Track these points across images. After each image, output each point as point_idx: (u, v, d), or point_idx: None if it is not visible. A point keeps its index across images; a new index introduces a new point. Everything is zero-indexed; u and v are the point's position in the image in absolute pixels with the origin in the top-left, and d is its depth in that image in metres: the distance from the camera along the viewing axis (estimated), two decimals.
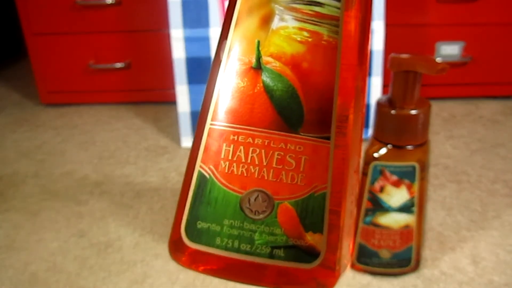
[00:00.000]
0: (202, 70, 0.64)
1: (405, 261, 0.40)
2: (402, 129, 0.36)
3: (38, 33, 0.78)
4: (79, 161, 0.63)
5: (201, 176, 0.22)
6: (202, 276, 0.40)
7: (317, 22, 0.20)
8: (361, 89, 0.23)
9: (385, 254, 0.39)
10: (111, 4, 0.76)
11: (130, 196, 0.54)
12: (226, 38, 0.22)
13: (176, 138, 0.69)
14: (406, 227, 0.38)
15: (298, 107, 0.21)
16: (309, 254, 0.22)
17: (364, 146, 0.38)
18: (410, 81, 0.35)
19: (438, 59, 0.75)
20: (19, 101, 0.88)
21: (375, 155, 0.36)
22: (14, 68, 1.08)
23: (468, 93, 0.81)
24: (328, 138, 0.21)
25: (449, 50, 0.77)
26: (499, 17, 0.75)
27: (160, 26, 0.76)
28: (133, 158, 0.64)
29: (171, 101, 0.78)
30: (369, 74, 0.65)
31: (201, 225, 0.22)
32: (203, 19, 0.63)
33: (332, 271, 0.23)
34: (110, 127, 0.75)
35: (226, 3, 0.62)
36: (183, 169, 0.60)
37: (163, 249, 0.44)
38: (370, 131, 0.38)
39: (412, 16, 0.75)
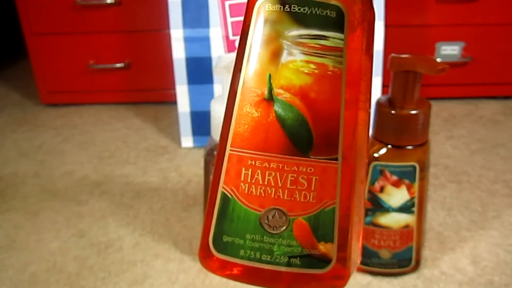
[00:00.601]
0: (202, 70, 0.64)
1: (405, 261, 0.40)
2: (402, 129, 0.36)
3: (38, 33, 0.78)
4: (79, 161, 0.63)
5: (224, 196, 0.25)
6: (201, 277, 0.41)
7: (323, 54, 0.23)
8: (366, 104, 0.25)
9: (385, 254, 0.39)
10: (111, 4, 0.76)
11: (130, 196, 0.54)
12: (239, 70, 0.24)
13: (176, 138, 0.69)
14: (406, 227, 0.38)
15: (307, 133, 0.23)
16: (322, 261, 0.25)
17: None
18: (410, 81, 0.35)
19: (438, 59, 0.75)
20: (19, 101, 0.88)
21: (375, 155, 0.36)
22: (14, 68, 1.08)
23: (468, 93, 0.81)
24: (336, 159, 0.24)
25: (449, 50, 0.77)
26: (499, 17, 0.75)
27: (160, 26, 0.76)
28: (133, 158, 0.64)
29: (171, 101, 0.78)
30: None
31: (226, 239, 0.25)
32: (203, 19, 0.63)
33: (343, 272, 0.26)
34: (110, 127, 0.75)
35: (227, 3, 0.62)
36: (183, 169, 0.61)
37: (163, 249, 0.44)
38: (370, 131, 0.38)
39: (412, 16, 0.75)
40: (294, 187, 0.24)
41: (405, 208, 0.37)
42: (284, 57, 0.23)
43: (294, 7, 0.23)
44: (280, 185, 0.24)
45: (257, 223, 0.24)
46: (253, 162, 0.24)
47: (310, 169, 0.24)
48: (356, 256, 0.28)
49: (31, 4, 0.76)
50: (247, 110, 0.23)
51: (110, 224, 0.49)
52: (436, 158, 0.61)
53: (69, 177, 0.59)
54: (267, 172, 0.24)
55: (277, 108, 0.23)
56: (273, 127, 0.23)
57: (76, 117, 0.79)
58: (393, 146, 0.36)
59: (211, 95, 0.64)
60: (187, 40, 0.63)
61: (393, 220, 0.38)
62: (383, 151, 0.36)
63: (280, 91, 0.23)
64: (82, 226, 0.48)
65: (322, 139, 0.24)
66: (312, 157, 0.24)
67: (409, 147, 0.36)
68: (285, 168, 0.24)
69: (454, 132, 0.69)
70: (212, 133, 0.37)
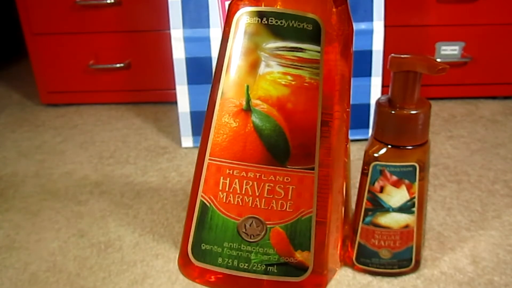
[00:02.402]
0: (202, 70, 0.64)
1: (405, 261, 0.40)
2: (402, 129, 0.36)
3: (38, 33, 0.78)
4: (79, 161, 0.63)
5: (203, 205, 0.26)
6: None
7: (299, 66, 0.23)
8: (344, 114, 0.26)
9: (385, 254, 0.39)
10: (111, 4, 0.76)
11: (130, 196, 0.54)
12: (219, 81, 0.24)
13: (176, 138, 0.69)
14: (406, 227, 0.38)
15: (284, 143, 0.24)
16: (299, 269, 0.26)
17: (364, 146, 0.38)
18: (410, 81, 0.35)
19: (438, 59, 0.75)
20: (19, 101, 0.88)
21: (375, 155, 0.36)
22: (14, 68, 1.08)
23: (468, 93, 0.81)
24: (313, 169, 0.25)
25: (449, 50, 0.77)
26: (499, 17, 0.75)
27: (160, 26, 0.76)
28: (133, 158, 0.64)
29: (171, 101, 0.78)
30: (369, 74, 0.65)
31: (204, 247, 0.26)
32: (203, 19, 0.63)
33: (320, 280, 0.27)
34: (110, 127, 0.75)
35: (227, 4, 0.62)
36: (183, 169, 0.61)
37: (163, 249, 0.44)
38: (370, 131, 0.38)
39: (412, 16, 0.75)
40: (271, 196, 0.24)
41: (405, 208, 0.37)
42: (262, 69, 0.23)
43: (271, 20, 0.23)
44: (257, 194, 0.24)
45: (235, 232, 0.25)
46: (231, 172, 0.24)
47: (287, 179, 0.24)
48: (334, 263, 0.29)
49: (31, 4, 0.76)
50: (225, 120, 0.24)
51: (110, 224, 0.49)
52: (436, 158, 0.61)
53: (69, 177, 0.59)
54: (245, 181, 0.24)
55: (254, 118, 0.24)
56: (251, 137, 0.24)
57: (76, 117, 0.79)
58: (393, 146, 0.36)
59: None
60: (187, 40, 0.63)
61: (393, 220, 0.38)
62: (383, 151, 0.36)
63: (258, 102, 0.24)
64: (82, 226, 0.48)
65: (299, 149, 0.24)
66: (289, 166, 0.24)
67: (409, 147, 0.36)
68: (263, 177, 0.24)
69: (454, 132, 0.69)
70: None
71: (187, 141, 0.67)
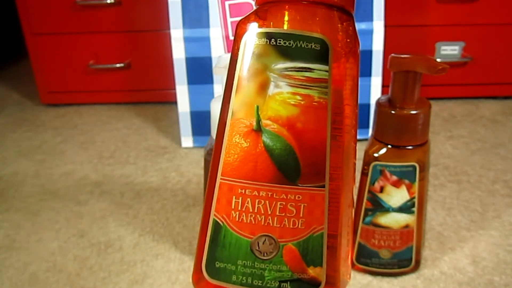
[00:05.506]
0: (202, 70, 0.64)
1: (405, 261, 0.40)
2: (402, 129, 0.36)
3: (38, 33, 0.78)
4: (79, 161, 0.63)
5: (215, 224, 0.26)
6: None
7: (308, 86, 0.24)
8: (352, 130, 0.26)
9: (385, 254, 0.39)
10: (111, 4, 0.76)
11: (130, 196, 0.54)
12: (228, 102, 0.25)
13: (176, 138, 0.69)
14: (406, 227, 0.38)
15: (295, 162, 0.24)
16: (312, 284, 0.27)
17: (364, 146, 0.38)
18: (410, 81, 0.35)
19: (438, 59, 0.75)
20: (19, 101, 0.88)
21: (375, 155, 0.36)
22: (14, 68, 1.08)
23: (468, 93, 0.81)
24: (323, 186, 0.25)
25: (449, 50, 0.77)
26: (499, 17, 0.75)
27: (160, 26, 0.76)
28: (133, 158, 0.64)
29: (171, 101, 0.78)
30: (369, 74, 0.65)
31: (218, 264, 0.27)
32: (203, 19, 0.63)
33: None
34: (110, 127, 0.75)
35: (227, 3, 0.62)
36: (183, 169, 0.61)
37: (163, 249, 0.44)
38: (370, 131, 0.38)
39: (412, 16, 0.75)
40: (283, 214, 0.25)
41: (405, 208, 0.37)
42: (271, 89, 0.24)
43: (279, 41, 0.23)
44: (269, 212, 0.25)
45: (248, 250, 0.25)
46: (243, 191, 0.25)
47: (298, 197, 0.25)
48: (345, 275, 0.29)
49: (31, 4, 0.76)
50: (236, 140, 0.24)
51: (110, 224, 0.49)
52: (436, 158, 0.61)
53: (69, 177, 0.59)
54: (257, 200, 0.25)
55: (265, 138, 0.24)
56: (261, 156, 0.24)
57: (76, 117, 0.79)
58: (393, 146, 0.36)
59: (211, 95, 0.64)
60: (187, 40, 0.63)
61: (393, 220, 0.38)
62: (383, 151, 0.36)
63: (268, 122, 0.24)
64: (82, 226, 0.48)
65: (310, 167, 0.25)
66: (300, 185, 0.25)
67: (409, 147, 0.36)
68: (274, 196, 0.24)
69: (454, 132, 0.69)
70: (212, 133, 0.37)
71: (187, 141, 0.67)
